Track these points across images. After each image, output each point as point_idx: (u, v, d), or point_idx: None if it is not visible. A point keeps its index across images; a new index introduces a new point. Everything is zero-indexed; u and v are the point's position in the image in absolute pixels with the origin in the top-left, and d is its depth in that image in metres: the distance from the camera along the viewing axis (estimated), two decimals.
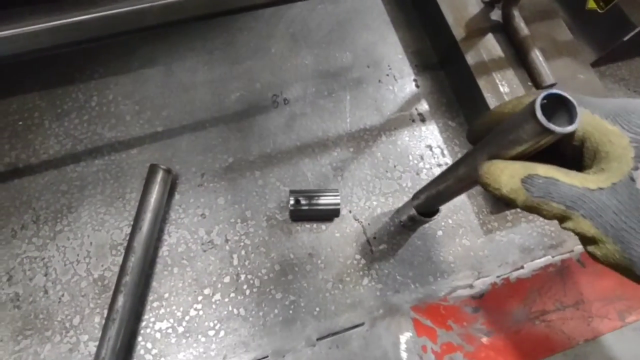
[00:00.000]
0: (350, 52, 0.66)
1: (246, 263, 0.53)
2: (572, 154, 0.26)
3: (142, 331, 0.49)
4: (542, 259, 0.56)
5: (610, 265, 0.24)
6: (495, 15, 0.63)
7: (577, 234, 0.24)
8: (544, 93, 0.23)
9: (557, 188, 0.24)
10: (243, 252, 0.53)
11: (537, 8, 0.64)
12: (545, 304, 0.54)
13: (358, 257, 0.54)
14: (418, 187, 0.58)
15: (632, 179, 0.22)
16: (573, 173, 0.25)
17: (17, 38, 0.33)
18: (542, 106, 0.22)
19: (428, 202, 0.46)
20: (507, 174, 0.25)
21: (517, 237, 0.57)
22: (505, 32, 0.61)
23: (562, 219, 0.25)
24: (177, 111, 0.60)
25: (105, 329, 0.46)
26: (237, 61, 0.64)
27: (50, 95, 0.59)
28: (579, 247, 0.57)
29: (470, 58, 0.59)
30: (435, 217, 0.50)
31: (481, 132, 0.31)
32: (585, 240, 0.24)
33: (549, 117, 0.22)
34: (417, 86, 0.65)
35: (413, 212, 0.49)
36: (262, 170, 0.57)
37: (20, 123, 0.57)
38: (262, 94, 0.62)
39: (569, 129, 0.22)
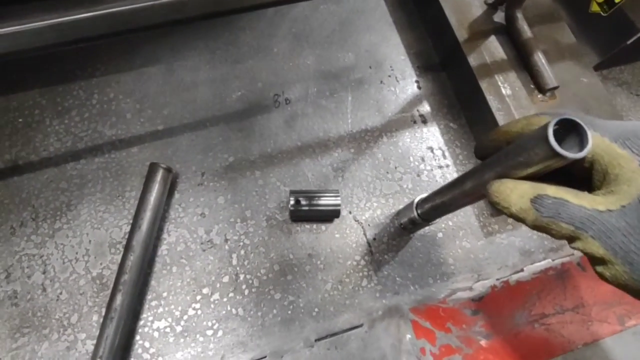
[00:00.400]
0: (352, 52, 0.66)
1: (245, 263, 0.52)
2: (581, 175, 0.26)
3: (140, 330, 0.49)
4: (542, 262, 0.56)
5: (619, 286, 0.24)
6: (498, 17, 0.62)
7: (585, 254, 0.25)
8: (556, 118, 0.23)
9: (566, 209, 0.24)
10: (242, 252, 0.53)
11: (540, 10, 0.64)
12: (545, 307, 0.54)
13: (357, 258, 0.54)
14: (419, 189, 0.58)
15: None
16: (582, 194, 0.25)
17: (20, 35, 0.33)
18: (554, 130, 0.22)
19: (432, 212, 0.46)
20: (516, 194, 0.26)
21: (518, 240, 0.57)
22: (508, 34, 0.61)
23: (571, 239, 0.25)
24: (178, 110, 0.60)
25: (103, 327, 0.45)
26: (239, 60, 0.64)
27: (51, 92, 0.59)
28: (579, 252, 0.57)
29: (473, 60, 0.59)
30: (436, 221, 0.49)
31: (489, 148, 0.32)
32: (594, 260, 0.25)
33: (560, 141, 0.23)
34: (419, 87, 0.65)
35: (414, 215, 0.49)
36: (263, 170, 0.57)
37: (21, 120, 0.57)
38: (264, 93, 0.62)
39: (581, 154, 0.22)
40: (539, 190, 0.25)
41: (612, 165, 0.24)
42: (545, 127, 0.23)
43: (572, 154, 0.22)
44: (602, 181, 0.25)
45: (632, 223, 0.23)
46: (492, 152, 0.30)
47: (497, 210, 0.27)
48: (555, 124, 0.23)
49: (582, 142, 0.23)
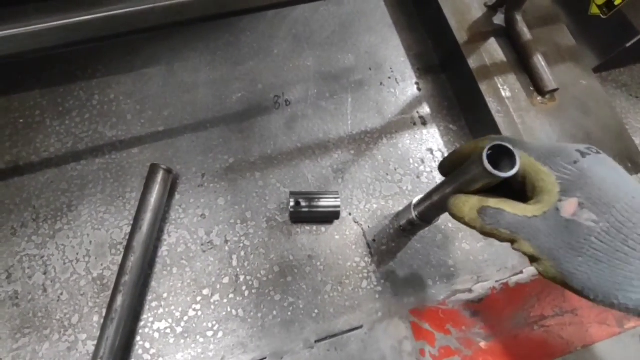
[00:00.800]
0: (352, 54, 0.66)
1: (245, 264, 0.53)
2: (520, 188, 0.32)
3: (140, 331, 0.49)
4: None
5: (550, 279, 0.29)
6: (498, 19, 0.63)
7: (522, 253, 0.30)
8: (490, 143, 0.28)
9: (503, 217, 0.30)
10: (242, 253, 0.53)
11: (540, 13, 0.64)
12: (544, 309, 0.54)
13: (357, 259, 0.54)
14: (418, 191, 0.58)
15: (557, 209, 0.28)
16: (517, 204, 0.30)
17: (21, 37, 0.33)
18: (490, 154, 0.28)
19: (429, 212, 0.47)
20: (467, 207, 0.32)
21: None
22: (508, 36, 0.61)
23: (511, 241, 0.30)
24: (179, 111, 0.60)
25: (103, 328, 0.46)
26: (240, 62, 0.64)
27: (52, 93, 0.59)
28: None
29: (473, 62, 0.59)
30: (435, 222, 0.50)
31: (449, 167, 0.38)
32: (530, 258, 0.30)
33: (495, 163, 0.28)
34: (418, 89, 0.65)
35: (413, 216, 0.49)
36: (263, 171, 0.57)
37: (22, 121, 0.57)
38: (264, 95, 0.62)
39: (510, 173, 0.28)
40: (483, 203, 0.31)
41: (537, 180, 0.29)
42: (481, 152, 0.28)
43: (502, 174, 0.28)
44: (532, 192, 0.30)
45: (550, 225, 0.28)
46: (451, 171, 0.37)
47: (455, 219, 0.33)
48: (489, 149, 0.28)
49: (512, 163, 0.28)
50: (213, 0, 0.37)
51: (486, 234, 0.31)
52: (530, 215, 0.29)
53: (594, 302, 0.28)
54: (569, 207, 0.28)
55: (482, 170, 0.28)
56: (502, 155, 0.29)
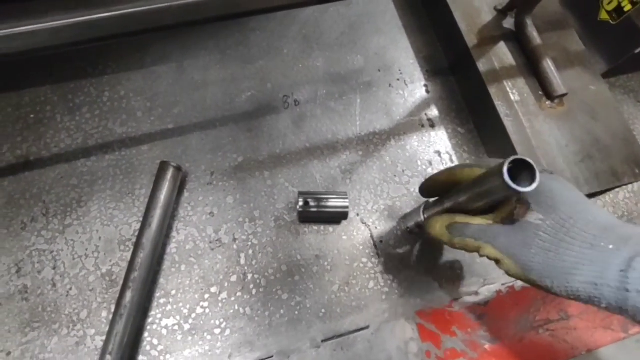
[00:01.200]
0: (361, 55, 0.67)
1: (253, 263, 0.53)
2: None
3: (148, 327, 0.49)
4: None
5: (515, 277, 0.34)
6: (508, 23, 0.63)
7: (488, 257, 0.35)
8: (510, 158, 0.30)
9: (468, 228, 0.36)
10: (250, 252, 0.53)
11: (549, 18, 0.64)
12: (550, 313, 0.54)
13: (364, 260, 0.54)
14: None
15: (513, 214, 0.33)
16: (479, 218, 0.37)
17: (37, 34, 0.34)
18: (508, 169, 0.30)
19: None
20: (439, 224, 0.39)
21: None
22: (518, 40, 0.62)
23: (477, 250, 0.35)
24: (188, 109, 0.60)
25: (112, 323, 0.46)
26: (250, 61, 0.64)
27: (62, 89, 0.60)
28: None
29: (482, 65, 0.60)
30: None
31: (426, 192, 0.47)
32: (495, 261, 0.35)
33: (512, 178, 0.29)
34: (427, 92, 0.65)
35: (420, 219, 0.49)
36: (272, 170, 0.58)
37: (32, 116, 0.58)
38: (273, 94, 0.62)
39: (530, 188, 0.29)
40: (451, 220, 0.38)
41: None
42: (501, 166, 0.30)
43: (522, 188, 0.29)
44: (493, 207, 0.36)
45: (507, 229, 0.34)
46: (430, 196, 0.47)
47: (430, 236, 0.41)
48: (510, 163, 0.30)
49: (532, 178, 0.30)
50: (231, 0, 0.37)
51: (453, 245, 0.38)
52: (492, 222, 0.35)
53: (552, 292, 0.32)
54: (521, 211, 0.33)
55: (502, 183, 0.29)
56: (519, 170, 0.31)
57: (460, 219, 0.37)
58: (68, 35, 0.35)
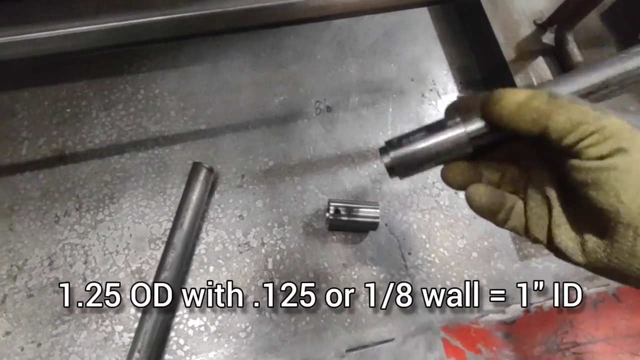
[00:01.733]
0: (395, 63, 0.66)
1: (281, 268, 0.53)
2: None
3: (175, 327, 0.49)
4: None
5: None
6: (547, 38, 0.62)
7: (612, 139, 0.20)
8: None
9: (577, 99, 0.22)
10: (278, 257, 0.53)
11: (588, 34, 0.63)
12: (577, 335, 0.53)
13: (393, 272, 0.54)
14: (455, 206, 0.58)
15: None
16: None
17: (98, 33, 0.34)
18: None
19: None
20: (529, 95, 0.22)
21: (553, 266, 0.56)
22: (557, 56, 0.61)
23: (597, 121, 0.20)
24: (221, 110, 0.60)
25: (141, 321, 0.46)
26: (283, 65, 0.64)
27: (98, 85, 0.60)
28: (614, 283, 0.56)
29: (519, 80, 0.59)
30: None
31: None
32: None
33: None
34: None
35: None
36: (302, 176, 0.58)
37: (69, 110, 0.58)
38: (306, 99, 0.62)
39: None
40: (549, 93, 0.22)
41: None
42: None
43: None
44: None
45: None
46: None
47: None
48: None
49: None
50: (281, 9, 0.37)
51: (556, 124, 0.21)
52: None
53: None
54: None
55: None
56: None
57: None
58: (122, 36, 0.36)
